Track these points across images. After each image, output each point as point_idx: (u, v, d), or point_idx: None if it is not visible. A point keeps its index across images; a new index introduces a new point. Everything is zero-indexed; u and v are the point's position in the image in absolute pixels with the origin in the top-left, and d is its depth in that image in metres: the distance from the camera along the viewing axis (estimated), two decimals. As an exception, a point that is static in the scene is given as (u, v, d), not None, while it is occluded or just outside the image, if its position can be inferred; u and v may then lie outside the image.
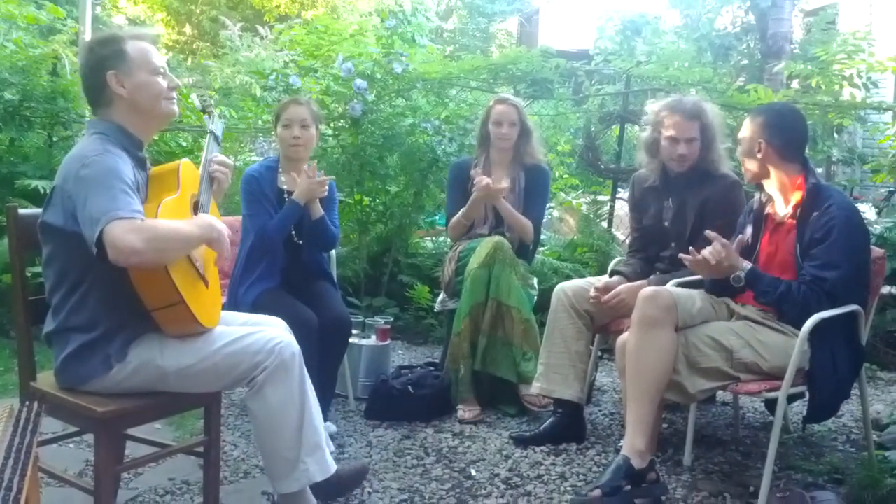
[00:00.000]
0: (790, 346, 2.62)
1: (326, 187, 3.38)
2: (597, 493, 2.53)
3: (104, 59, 2.28)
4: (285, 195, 3.42)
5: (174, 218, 2.21)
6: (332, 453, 2.56)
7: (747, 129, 2.89)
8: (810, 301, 2.62)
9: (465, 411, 3.65)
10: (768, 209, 2.92)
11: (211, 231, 2.26)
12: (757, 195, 2.99)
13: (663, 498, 2.80)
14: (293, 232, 3.42)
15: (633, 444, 2.60)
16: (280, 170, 3.50)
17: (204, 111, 2.69)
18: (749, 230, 2.95)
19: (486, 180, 3.75)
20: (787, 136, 2.82)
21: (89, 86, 2.31)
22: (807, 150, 2.94)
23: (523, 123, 3.96)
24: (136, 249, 1.99)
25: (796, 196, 2.79)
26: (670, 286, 2.97)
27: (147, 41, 2.35)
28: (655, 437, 2.80)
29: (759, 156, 2.82)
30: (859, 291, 2.75)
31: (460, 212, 3.94)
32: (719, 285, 2.86)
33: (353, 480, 2.77)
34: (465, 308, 3.72)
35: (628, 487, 2.55)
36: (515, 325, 3.68)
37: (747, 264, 2.73)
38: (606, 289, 3.34)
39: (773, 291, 2.67)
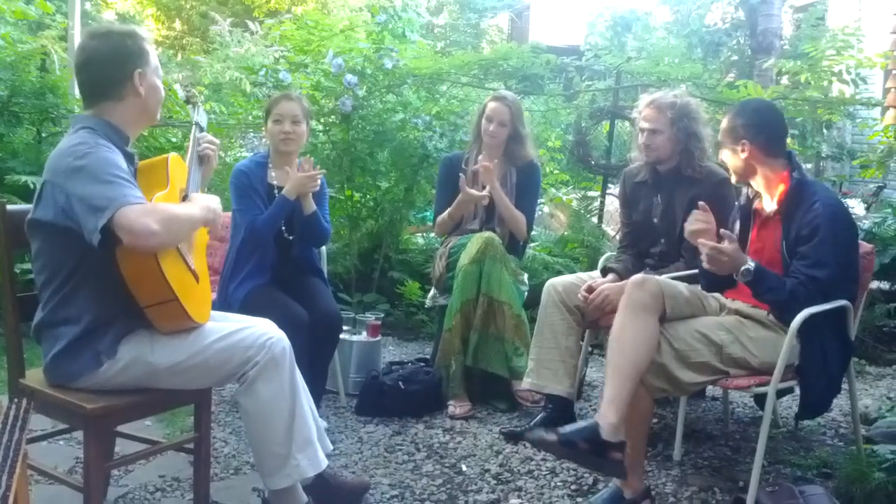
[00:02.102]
0: (780, 342, 2.63)
1: (318, 182, 3.38)
2: (553, 437, 2.52)
3: (133, 54, 2.27)
4: (275, 190, 3.42)
5: None
6: (329, 451, 2.57)
7: (726, 130, 2.88)
8: (809, 301, 2.62)
9: (455, 407, 3.66)
10: (756, 204, 2.92)
11: (208, 212, 2.31)
12: (745, 190, 3.00)
13: (653, 493, 2.82)
14: (283, 228, 3.42)
15: (605, 416, 2.54)
16: (270, 165, 3.49)
17: (188, 102, 2.69)
18: (738, 226, 2.97)
19: (484, 163, 3.80)
20: (768, 132, 2.82)
21: (107, 76, 2.26)
22: (796, 146, 2.95)
23: (514, 125, 3.95)
24: (154, 231, 2.02)
25: (781, 191, 2.80)
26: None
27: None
28: (645, 429, 2.78)
29: (744, 156, 2.81)
30: (849, 286, 2.75)
31: (446, 211, 3.95)
32: (716, 282, 2.87)
33: (355, 495, 2.77)
34: (456, 304, 3.72)
35: (585, 450, 2.50)
36: (507, 321, 3.69)
37: (752, 261, 2.72)
38: (592, 289, 3.35)
39: (781, 289, 2.63)
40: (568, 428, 2.54)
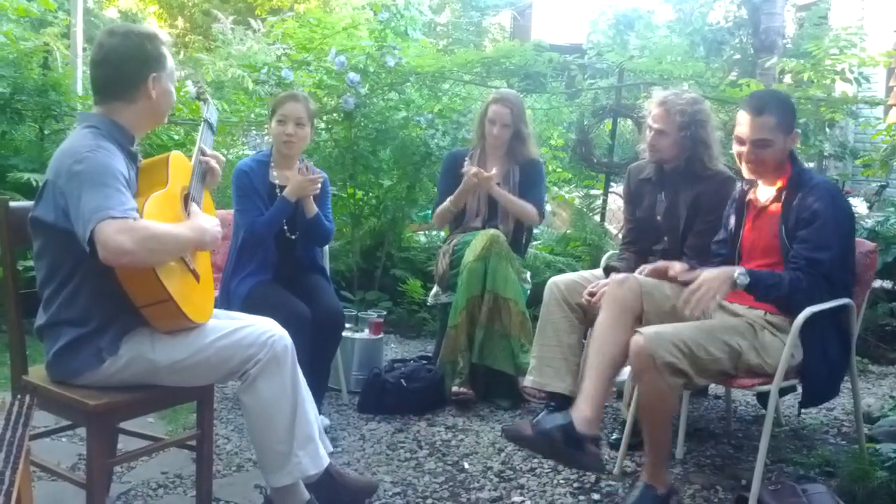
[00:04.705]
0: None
1: (319, 186, 3.37)
2: (528, 430, 2.53)
3: (151, 58, 2.27)
4: (277, 190, 3.41)
5: (161, 213, 2.19)
6: (329, 451, 2.57)
7: (775, 124, 2.71)
8: (813, 287, 2.61)
9: (459, 387, 3.68)
10: (750, 195, 2.91)
11: (203, 235, 2.29)
12: (739, 184, 2.99)
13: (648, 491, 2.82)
14: (286, 227, 3.42)
15: (580, 410, 2.61)
16: (272, 164, 3.48)
17: (199, 98, 2.68)
18: (732, 220, 2.96)
19: (475, 168, 3.77)
20: (794, 119, 2.82)
21: (123, 77, 2.26)
22: (799, 145, 2.94)
23: (517, 125, 3.95)
24: (126, 250, 1.99)
25: (781, 180, 2.79)
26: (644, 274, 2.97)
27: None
28: (668, 424, 2.77)
29: (793, 145, 2.78)
30: (846, 276, 2.74)
31: (448, 199, 3.95)
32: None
33: (362, 495, 2.77)
34: (461, 301, 3.72)
35: (560, 442, 2.54)
36: (513, 318, 3.70)
37: (741, 269, 2.66)
38: (593, 294, 3.35)
39: (780, 284, 2.62)
40: (543, 421, 2.57)
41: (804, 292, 2.62)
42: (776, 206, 2.79)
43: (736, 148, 2.83)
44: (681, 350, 2.54)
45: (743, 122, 2.78)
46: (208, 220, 2.35)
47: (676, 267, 2.83)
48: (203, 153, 2.48)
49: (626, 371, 2.94)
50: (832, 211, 2.64)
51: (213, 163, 2.50)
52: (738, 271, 2.62)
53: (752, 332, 2.72)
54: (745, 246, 2.89)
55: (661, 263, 2.93)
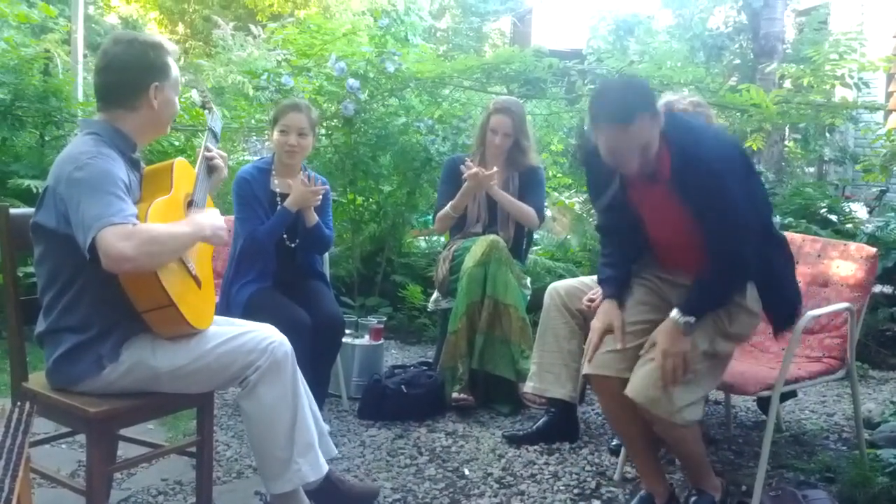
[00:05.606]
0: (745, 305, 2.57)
1: (321, 197, 3.37)
2: None
3: (153, 67, 2.28)
4: (277, 198, 3.41)
5: (165, 219, 2.20)
6: (333, 455, 2.58)
7: (643, 123, 2.35)
8: (740, 265, 2.48)
9: (459, 394, 3.68)
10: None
11: (203, 230, 2.28)
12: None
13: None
14: (286, 236, 3.41)
15: (651, 485, 2.73)
16: (273, 172, 3.48)
17: (203, 107, 2.69)
18: (609, 194, 2.67)
19: (474, 168, 3.78)
20: (653, 95, 2.48)
21: (124, 85, 2.27)
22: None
23: (518, 135, 3.95)
24: (128, 256, 2.00)
25: (661, 154, 2.45)
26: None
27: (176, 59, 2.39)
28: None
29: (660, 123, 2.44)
30: (761, 216, 2.56)
31: (449, 204, 3.95)
32: (618, 284, 2.76)
33: (362, 500, 2.77)
34: (461, 307, 3.72)
35: None
36: (513, 323, 3.70)
37: (675, 314, 2.49)
38: (593, 300, 3.35)
39: (715, 294, 2.51)
40: None
41: (736, 278, 2.52)
42: (664, 183, 2.48)
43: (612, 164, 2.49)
44: (670, 396, 2.46)
45: (614, 137, 2.39)
46: (207, 215, 2.34)
47: (617, 335, 2.67)
48: (208, 150, 2.49)
49: None
50: (729, 184, 2.39)
51: (219, 160, 2.50)
52: (682, 320, 2.46)
53: (712, 326, 2.54)
54: (655, 230, 2.67)
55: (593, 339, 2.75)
